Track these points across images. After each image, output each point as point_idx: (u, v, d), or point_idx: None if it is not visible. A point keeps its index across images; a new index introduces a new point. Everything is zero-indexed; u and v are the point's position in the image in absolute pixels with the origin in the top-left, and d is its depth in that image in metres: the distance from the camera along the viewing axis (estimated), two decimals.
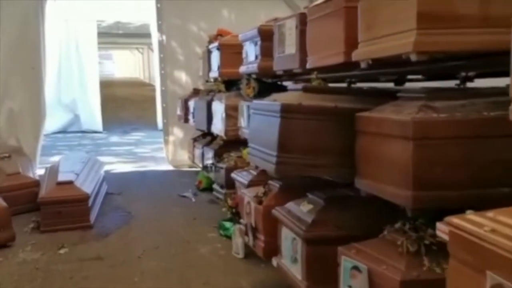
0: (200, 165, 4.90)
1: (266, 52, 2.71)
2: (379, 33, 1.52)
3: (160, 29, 5.80)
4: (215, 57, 3.97)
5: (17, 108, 5.10)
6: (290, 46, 2.31)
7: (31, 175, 4.23)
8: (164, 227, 3.57)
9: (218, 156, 4.31)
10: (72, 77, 9.41)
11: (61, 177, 3.75)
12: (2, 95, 5.00)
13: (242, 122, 3.43)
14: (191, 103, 5.02)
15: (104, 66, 32.79)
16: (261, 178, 2.79)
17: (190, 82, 5.86)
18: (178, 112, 5.54)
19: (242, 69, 3.18)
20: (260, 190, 2.47)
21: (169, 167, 5.87)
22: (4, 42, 4.92)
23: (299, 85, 2.04)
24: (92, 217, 3.66)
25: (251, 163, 2.76)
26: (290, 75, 2.99)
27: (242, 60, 3.40)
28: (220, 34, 4.78)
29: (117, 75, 34.67)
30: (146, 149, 7.40)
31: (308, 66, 2.13)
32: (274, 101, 1.94)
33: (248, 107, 3.27)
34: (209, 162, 4.28)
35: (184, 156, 5.82)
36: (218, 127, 3.89)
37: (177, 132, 5.91)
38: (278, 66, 2.50)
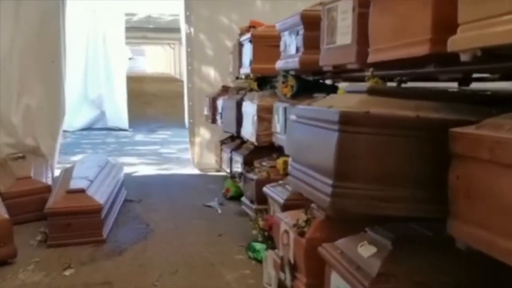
0: (228, 171, 4.43)
1: (311, 43, 2.21)
2: (499, 8, 1.00)
3: (187, 20, 5.36)
4: (247, 51, 3.48)
5: (34, 105, 4.74)
6: (344, 35, 1.79)
7: (44, 179, 3.84)
8: (185, 245, 3.11)
9: (247, 163, 3.83)
10: (99, 71, 9.12)
11: (72, 185, 3.34)
12: (19, 91, 4.66)
13: (277, 126, 2.94)
14: (220, 102, 4.55)
15: (136, 61, 32.90)
16: (301, 196, 2.29)
17: (219, 79, 5.40)
18: (206, 111, 5.09)
19: (279, 64, 2.69)
20: (300, 216, 1.97)
21: (194, 171, 5.43)
22: (21, 34, 4.57)
23: (361, 86, 1.52)
24: (105, 230, 3.23)
25: (292, 187, 2.26)
26: (336, 72, 2.48)
27: (279, 54, 2.91)
28: (253, 26, 4.29)
29: (149, 70, 34.72)
30: (171, 149, 7.00)
31: (370, 60, 1.61)
32: (330, 107, 1.44)
33: (285, 109, 2.77)
34: (237, 170, 3.80)
35: (211, 159, 5.38)
36: (248, 131, 3.41)
37: (204, 133, 5.46)
38: (327, 60, 1.99)
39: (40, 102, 4.73)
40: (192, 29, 5.33)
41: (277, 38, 3.15)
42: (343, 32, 1.80)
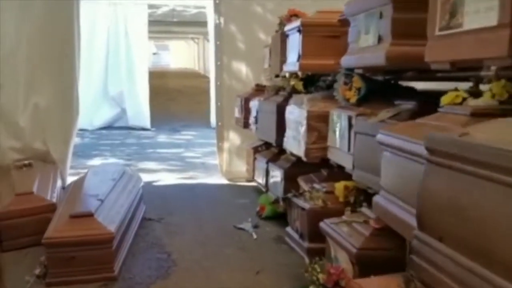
0: (262, 183, 3.79)
1: (404, 29, 1.54)
2: None
3: (217, 10, 4.72)
4: (294, 44, 2.81)
5: (44, 104, 4.15)
6: (480, 14, 1.11)
7: (48, 194, 3.24)
8: (215, 286, 2.49)
9: (289, 179, 3.18)
10: (120, 67, 8.57)
11: (79, 207, 2.74)
12: (26, 88, 4.08)
13: (336, 140, 2.27)
14: (254, 104, 3.90)
15: (160, 56, 32.58)
16: (384, 244, 1.63)
17: (251, 77, 4.75)
18: (236, 113, 4.45)
19: (348, 60, 2.02)
20: (390, 283, 1.31)
21: (222, 180, 4.79)
22: (28, 23, 3.99)
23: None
24: (117, 263, 2.63)
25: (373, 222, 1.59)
26: (420, 71, 1.82)
27: (337, 47, 2.25)
28: (294, 14, 3.63)
29: (173, 66, 34.40)
30: (196, 153, 6.38)
31: None
32: (463, 135, 0.78)
33: (349, 119, 2.10)
34: (278, 188, 3.15)
35: (241, 167, 4.74)
36: (293, 142, 2.75)
37: (234, 138, 4.82)
38: (440, 53, 1.31)
39: (50, 101, 4.14)
40: (222, 20, 4.69)
41: (335, 27, 2.49)
42: (479, 10, 1.12)
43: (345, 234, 1.82)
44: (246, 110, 4.15)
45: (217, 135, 4.84)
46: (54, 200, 3.18)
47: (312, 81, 3.07)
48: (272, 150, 3.86)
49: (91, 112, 8.38)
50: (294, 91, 3.23)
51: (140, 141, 7.42)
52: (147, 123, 8.41)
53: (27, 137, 4.09)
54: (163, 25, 15.98)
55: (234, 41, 4.71)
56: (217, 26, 4.72)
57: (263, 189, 3.75)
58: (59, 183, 3.74)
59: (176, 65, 34.93)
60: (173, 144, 7.09)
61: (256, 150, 4.16)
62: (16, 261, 2.79)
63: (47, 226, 2.71)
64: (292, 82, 3.05)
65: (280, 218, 3.42)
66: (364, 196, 2.18)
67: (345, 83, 2.24)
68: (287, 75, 3.15)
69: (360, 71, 2.14)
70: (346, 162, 2.16)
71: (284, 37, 3.17)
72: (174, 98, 13.40)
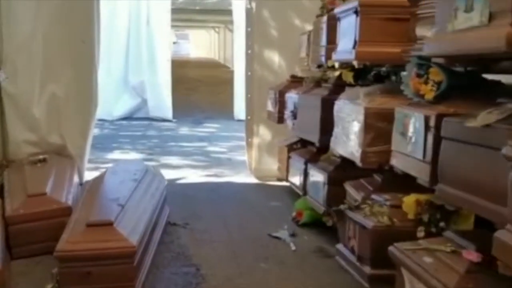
0: (297, 184, 3.42)
1: None
2: None
3: None
4: (349, 28, 2.38)
5: (61, 94, 3.82)
6: None
7: (63, 195, 2.90)
8: None
9: (334, 183, 2.80)
10: (141, 56, 8.24)
11: (96, 213, 2.40)
12: (42, 76, 3.75)
13: (404, 144, 1.87)
14: (290, 97, 3.50)
15: (180, 46, 32.30)
16: (486, 285, 1.24)
17: (284, 67, 4.35)
18: (269, 107, 4.06)
19: (434, 47, 1.60)
20: None
21: (251, 179, 4.42)
22: (45, 7, 3.67)
23: None
24: (139, 280, 2.28)
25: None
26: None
27: (413, 31, 1.84)
28: None
29: (193, 55, 34.15)
30: (221, 147, 6.02)
31: None
32: None
33: (427, 120, 1.70)
34: (319, 193, 2.76)
35: (272, 165, 4.36)
36: (345, 144, 2.36)
37: (265, 133, 4.44)
38: None
39: (68, 91, 3.81)
40: (253, 5, 4.29)
41: (402, 7, 2.08)
42: None
43: (429, 267, 1.43)
44: (280, 104, 3.76)
45: (246, 130, 4.46)
46: (70, 202, 2.85)
47: (365, 72, 2.66)
48: (310, 149, 3.48)
49: (111, 102, 8.08)
50: (340, 83, 2.83)
51: (162, 133, 7.09)
52: (168, 114, 8.08)
53: (43, 130, 3.78)
54: (184, 13, 15.68)
55: (266, 28, 4.32)
56: (248, 12, 4.33)
57: (300, 192, 3.36)
58: (76, 180, 3.41)
59: (196, 54, 34.77)
60: (196, 137, 6.74)
61: (291, 148, 3.78)
62: (26, 272, 2.48)
63: (61, 232, 2.39)
64: (336, 73, 2.65)
65: (319, 225, 3.04)
66: (441, 214, 1.78)
67: (418, 75, 1.83)
68: (336, 65, 2.74)
69: (440, 60, 1.73)
70: (420, 171, 1.76)
71: (332, 21, 2.76)
72: (195, 88, 13.07)
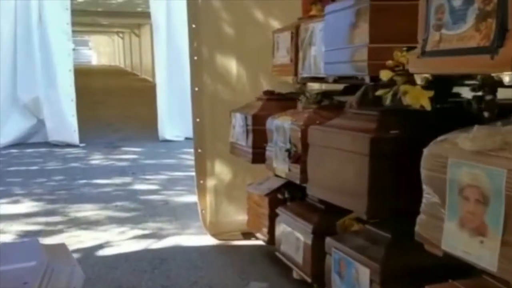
0: (298, 263, 2.21)
1: None
2: None
3: None
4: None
5: None
6: None
7: None
8: None
9: (388, 280, 1.64)
10: (34, 66, 6.52)
11: None
12: None
13: None
14: (280, 126, 2.28)
15: (79, 53, 29.63)
16: None
17: (246, 79, 3.13)
18: (234, 137, 2.80)
19: None
20: None
21: (206, 239, 3.11)
22: None
23: None
24: None
25: None
26: None
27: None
28: None
29: (94, 62, 31.63)
30: (151, 183, 4.60)
31: None
32: None
33: None
34: None
35: (234, 215, 3.14)
36: (455, 234, 1.19)
37: (223, 172, 3.16)
38: None
39: None
40: None
41: None
42: None
43: None
44: (256, 135, 2.52)
45: (196, 168, 3.14)
46: None
47: (444, 90, 1.54)
48: (310, 203, 2.30)
49: None
50: (390, 108, 1.67)
51: (67, 165, 5.48)
52: (74, 137, 6.44)
53: None
54: (85, 16, 13.79)
55: (218, 24, 3.05)
56: (191, 1, 3.03)
57: (308, 279, 2.14)
58: None
59: (98, 62, 32.19)
60: (114, 169, 5.24)
61: (274, 198, 2.56)
62: None
63: None
64: (403, 88, 1.49)
65: None
66: None
67: None
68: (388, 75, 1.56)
69: None
70: None
71: (376, 11, 1.59)
72: (103, 100, 11.33)
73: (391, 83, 1.61)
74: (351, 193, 1.64)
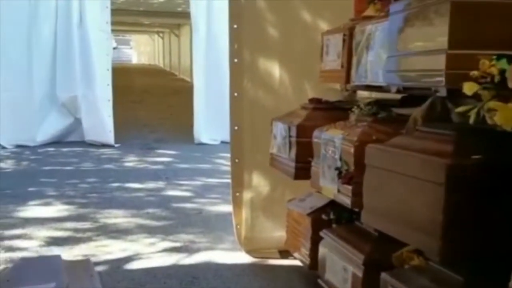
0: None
1: None
2: None
3: None
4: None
5: None
6: None
7: None
8: None
9: None
10: (73, 65, 6.48)
11: None
12: None
13: None
14: (328, 139, 2.02)
15: (121, 52, 30.13)
16: None
17: (289, 84, 2.89)
18: (274, 148, 2.56)
19: None
20: None
21: (241, 256, 2.89)
22: None
23: None
24: None
25: None
26: None
27: None
28: None
29: (134, 61, 32.12)
30: (185, 189, 4.41)
31: None
32: None
33: None
34: None
35: (271, 231, 2.91)
36: None
37: (260, 184, 2.92)
38: None
39: None
40: None
41: None
42: None
43: None
44: (300, 148, 2.28)
45: (233, 179, 2.92)
46: None
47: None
48: (359, 227, 2.03)
49: (33, 123, 6.30)
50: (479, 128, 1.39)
51: (101, 166, 5.39)
52: (109, 138, 6.36)
53: None
54: (126, 15, 13.89)
55: (261, 25, 2.83)
56: (233, 1, 2.81)
57: None
58: None
59: (139, 61, 32.65)
60: (148, 172, 5.10)
61: (318, 219, 2.31)
62: None
63: None
64: (491, 105, 1.22)
65: None
66: None
67: None
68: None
69: None
70: None
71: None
72: (140, 100, 11.33)
73: (472, 97, 1.33)
74: (420, 229, 1.36)
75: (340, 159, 1.90)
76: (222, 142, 6.26)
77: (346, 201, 1.87)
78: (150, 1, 12.60)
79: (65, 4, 6.52)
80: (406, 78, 1.59)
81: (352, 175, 1.81)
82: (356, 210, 1.83)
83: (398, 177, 1.48)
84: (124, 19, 14.19)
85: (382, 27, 1.80)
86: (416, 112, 1.73)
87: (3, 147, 6.03)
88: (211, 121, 6.49)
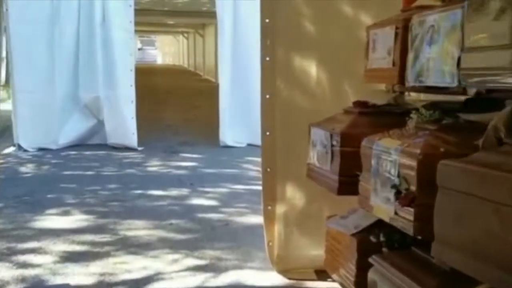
0: None
1: None
2: None
3: None
4: None
5: None
6: None
7: None
8: None
9: None
10: (96, 66, 6.31)
11: None
12: None
13: None
14: (374, 147, 1.71)
15: (145, 53, 30.23)
16: None
17: (327, 85, 2.58)
18: (313, 158, 2.25)
19: None
20: None
21: (273, 277, 2.59)
22: None
23: None
24: None
25: None
26: None
27: None
28: None
29: (159, 62, 32.21)
30: (210, 197, 4.14)
31: None
32: None
33: None
34: None
35: (307, 249, 2.60)
36: None
37: (295, 196, 2.63)
38: None
39: None
40: None
41: None
42: None
43: None
44: (344, 158, 1.97)
45: (264, 191, 2.63)
46: None
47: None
48: (419, 255, 1.71)
49: (56, 125, 6.15)
50: None
51: (123, 171, 5.17)
52: (132, 141, 6.16)
53: None
54: (150, 15, 13.76)
55: (297, 20, 2.53)
56: None
57: None
58: None
59: (163, 61, 32.72)
60: (171, 178, 4.85)
61: (364, 240, 1.99)
62: None
63: None
64: None
65: None
66: None
67: None
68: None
69: None
70: None
71: None
72: (164, 100, 11.16)
73: None
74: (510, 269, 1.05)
75: (398, 175, 1.58)
76: (249, 144, 5.99)
77: (406, 226, 1.55)
78: (174, 1, 12.43)
79: (88, 3, 6.36)
80: (492, 79, 1.26)
81: (414, 196, 1.50)
82: (420, 237, 1.52)
83: (483, 203, 1.16)
84: (148, 19, 14.08)
85: (452, 16, 1.48)
86: (497, 120, 1.40)
87: (25, 150, 5.88)
88: (237, 122, 6.22)
